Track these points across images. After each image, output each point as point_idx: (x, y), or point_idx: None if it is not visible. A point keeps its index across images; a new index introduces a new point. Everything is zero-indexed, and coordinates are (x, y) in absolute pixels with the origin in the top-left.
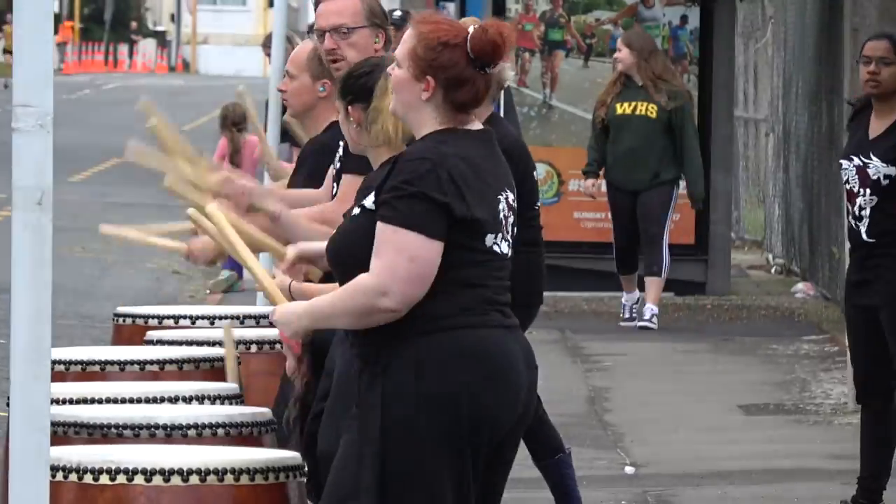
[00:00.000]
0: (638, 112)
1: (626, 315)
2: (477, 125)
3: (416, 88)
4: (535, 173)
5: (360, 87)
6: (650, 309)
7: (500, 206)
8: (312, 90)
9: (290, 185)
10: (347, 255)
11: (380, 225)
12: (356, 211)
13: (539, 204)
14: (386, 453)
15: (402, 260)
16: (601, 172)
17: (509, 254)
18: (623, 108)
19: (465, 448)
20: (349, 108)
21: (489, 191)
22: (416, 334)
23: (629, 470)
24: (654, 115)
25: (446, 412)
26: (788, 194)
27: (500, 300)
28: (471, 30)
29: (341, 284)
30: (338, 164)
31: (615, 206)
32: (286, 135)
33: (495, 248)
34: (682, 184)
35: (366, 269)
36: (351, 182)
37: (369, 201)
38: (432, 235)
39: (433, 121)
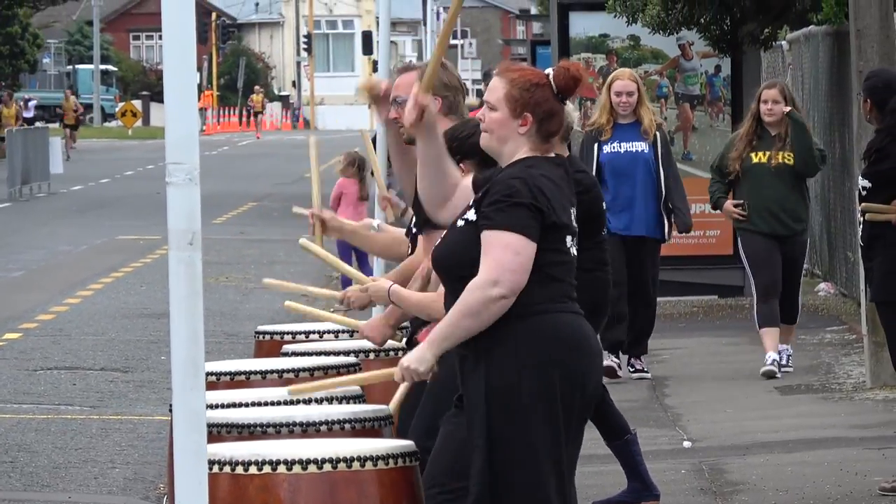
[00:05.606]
0: (774, 162)
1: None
2: (552, 154)
3: (513, 125)
4: (603, 204)
5: (468, 146)
6: (787, 350)
7: (573, 218)
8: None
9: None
10: (453, 260)
11: (486, 232)
12: (460, 223)
13: (606, 230)
14: (492, 416)
15: (509, 254)
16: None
17: (575, 257)
18: (759, 158)
19: (558, 409)
20: (461, 164)
21: (567, 204)
22: (513, 319)
23: (687, 444)
24: (791, 163)
25: (542, 377)
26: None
27: (573, 295)
28: (550, 71)
29: (446, 287)
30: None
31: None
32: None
33: (572, 250)
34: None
35: (467, 272)
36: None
37: (471, 215)
38: (531, 237)
39: (524, 150)
